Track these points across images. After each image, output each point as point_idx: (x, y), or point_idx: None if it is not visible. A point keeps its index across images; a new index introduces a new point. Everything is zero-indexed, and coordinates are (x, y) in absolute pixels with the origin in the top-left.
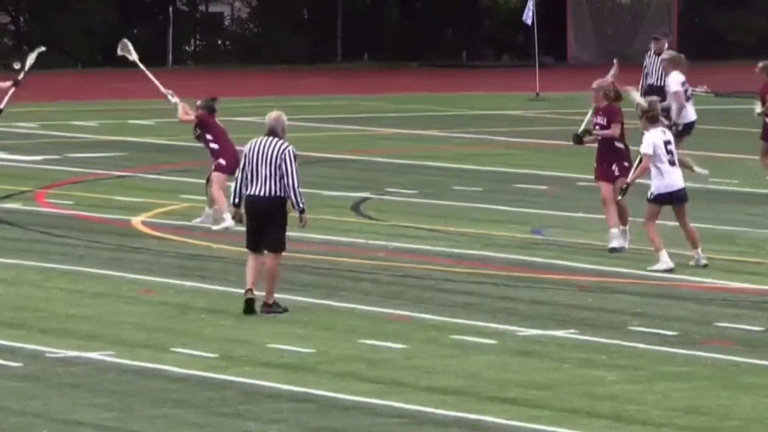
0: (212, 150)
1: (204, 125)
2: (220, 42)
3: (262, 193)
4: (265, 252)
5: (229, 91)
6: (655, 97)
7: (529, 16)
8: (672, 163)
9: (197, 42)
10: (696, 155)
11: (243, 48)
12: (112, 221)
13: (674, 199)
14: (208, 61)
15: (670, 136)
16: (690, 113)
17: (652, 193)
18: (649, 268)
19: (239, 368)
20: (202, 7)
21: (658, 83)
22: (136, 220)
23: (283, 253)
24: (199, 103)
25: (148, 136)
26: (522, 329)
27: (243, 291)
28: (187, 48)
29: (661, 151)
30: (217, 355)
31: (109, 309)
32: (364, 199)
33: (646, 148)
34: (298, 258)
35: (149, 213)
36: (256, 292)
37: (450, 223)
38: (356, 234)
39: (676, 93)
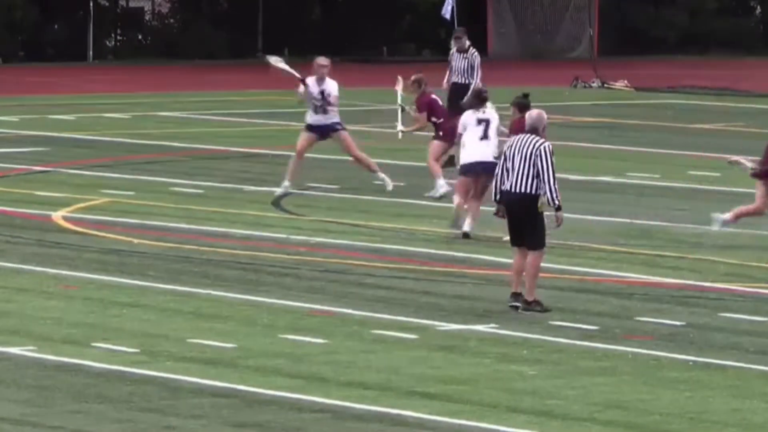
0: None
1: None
2: (140, 37)
3: (515, 189)
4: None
5: (149, 87)
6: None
7: (447, 11)
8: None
9: (118, 37)
10: (618, 150)
11: (163, 43)
12: (33, 216)
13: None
14: (129, 57)
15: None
16: None
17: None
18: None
19: (161, 363)
20: (122, 2)
21: (463, 81)
22: (57, 215)
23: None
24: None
25: (69, 131)
26: (443, 324)
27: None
28: (107, 43)
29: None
30: (138, 350)
31: (30, 304)
32: (286, 194)
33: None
34: (220, 252)
35: (70, 208)
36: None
37: (372, 218)
38: (278, 229)
39: None
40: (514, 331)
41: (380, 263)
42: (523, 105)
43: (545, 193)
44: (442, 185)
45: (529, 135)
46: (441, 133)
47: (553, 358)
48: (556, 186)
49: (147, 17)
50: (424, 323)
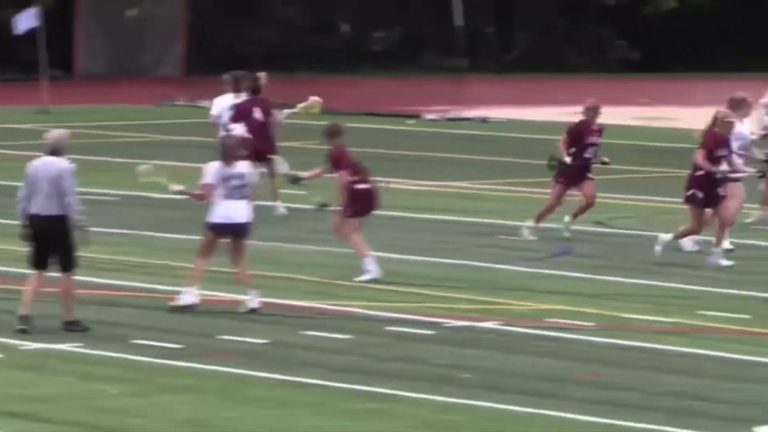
0: None
1: None
2: None
3: (44, 213)
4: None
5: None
6: None
7: (22, 26)
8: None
9: None
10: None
11: None
12: None
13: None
14: None
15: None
16: None
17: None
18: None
19: None
20: None
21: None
22: None
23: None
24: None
25: None
26: (25, 343)
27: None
28: None
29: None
30: None
31: None
32: None
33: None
34: None
35: None
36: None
37: None
38: None
39: None
40: (97, 350)
41: None
42: None
43: (72, 213)
44: None
45: (51, 157)
46: None
47: (135, 377)
48: (79, 207)
49: None
50: (6, 342)
